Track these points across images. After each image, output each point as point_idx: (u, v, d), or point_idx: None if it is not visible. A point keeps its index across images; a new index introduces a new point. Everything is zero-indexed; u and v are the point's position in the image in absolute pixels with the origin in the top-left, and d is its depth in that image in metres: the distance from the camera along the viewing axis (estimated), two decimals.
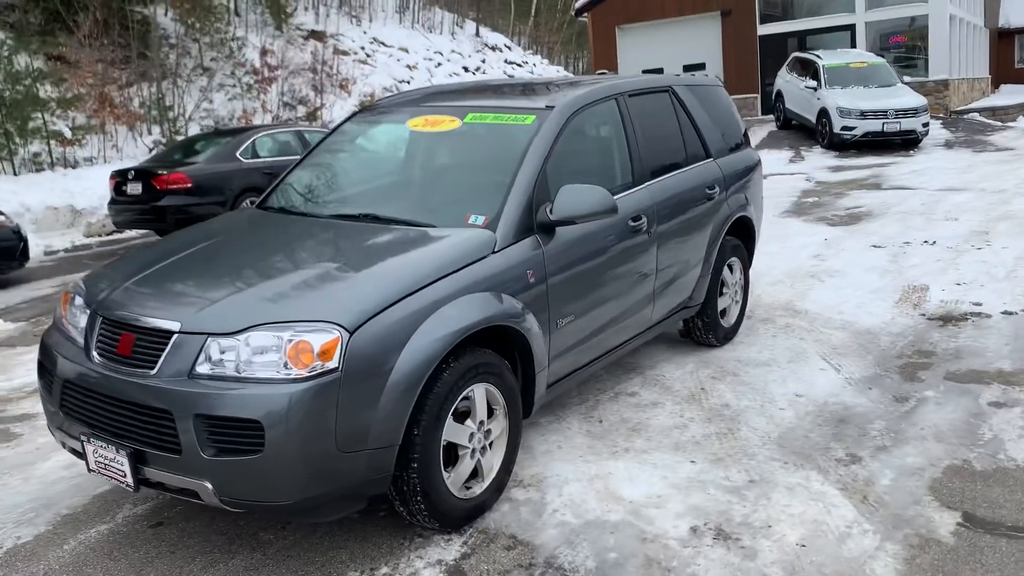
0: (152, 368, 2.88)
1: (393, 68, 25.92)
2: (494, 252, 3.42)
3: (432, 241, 3.40)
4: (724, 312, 5.36)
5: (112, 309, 3.13)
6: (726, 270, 5.28)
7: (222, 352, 2.82)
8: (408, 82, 25.46)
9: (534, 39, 42.74)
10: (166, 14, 20.62)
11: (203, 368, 2.82)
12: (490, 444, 3.40)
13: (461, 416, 3.24)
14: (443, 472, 3.14)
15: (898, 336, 5.45)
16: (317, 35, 25.50)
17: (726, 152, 5.31)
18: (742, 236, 5.52)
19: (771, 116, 21.04)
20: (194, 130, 17.07)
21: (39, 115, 14.23)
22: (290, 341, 2.78)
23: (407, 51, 28.35)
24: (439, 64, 28.55)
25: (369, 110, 4.68)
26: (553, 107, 3.99)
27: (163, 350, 2.89)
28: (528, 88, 4.67)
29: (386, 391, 2.89)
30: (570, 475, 3.69)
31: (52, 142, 14.51)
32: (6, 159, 13.58)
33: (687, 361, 5.13)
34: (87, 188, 13.22)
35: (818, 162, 15.34)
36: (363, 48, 26.43)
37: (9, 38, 16.56)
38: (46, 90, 15.65)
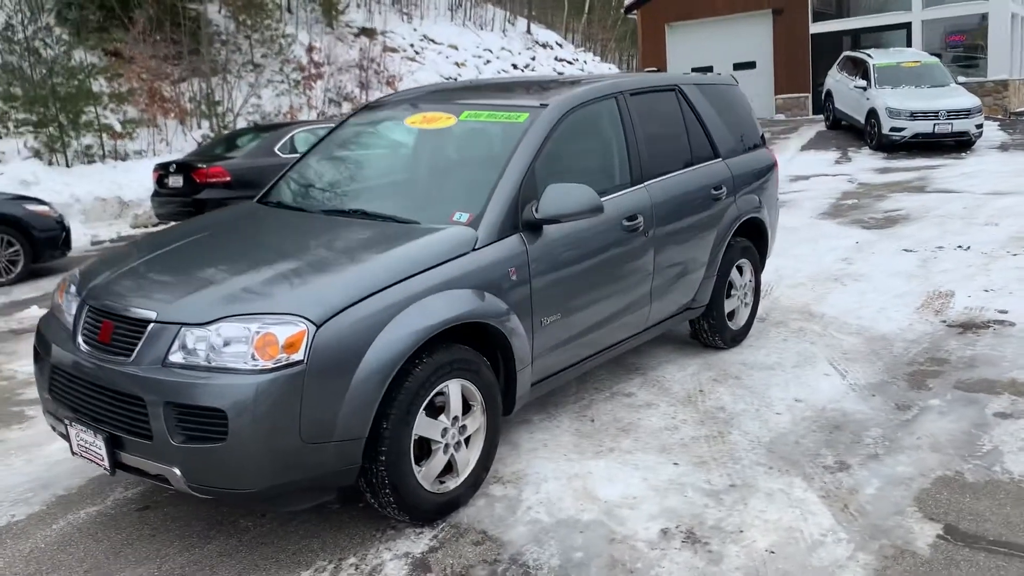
0: (129, 356, 2.97)
1: (441, 65, 26.08)
2: (474, 250, 3.44)
3: (412, 238, 3.43)
4: (732, 314, 5.29)
5: (97, 298, 3.23)
6: (735, 272, 5.21)
7: (195, 342, 2.89)
8: (455, 79, 25.61)
9: (587, 36, 42.58)
10: (220, 11, 21.08)
11: (176, 357, 2.90)
12: (466, 440, 3.42)
13: (436, 411, 3.27)
14: (414, 466, 3.17)
15: (913, 343, 5.31)
16: (367, 32, 25.78)
17: (738, 152, 5.24)
18: (753, 238, 5.45)
19: (821, 116, 20.63)
20: (242, 125, 17.42)
21: (92, 109, 14.67)
22: (257, 333, 2.84)
23: (456, 48, 28.51)
24: (488, 61, 28.64)
25: (372, 107, 4.73)
26: (547, 105, 3.99)
27: (140, 339, 2.97)
28: (531, 86, 4.67)
29: (353, 385, 2.93)
30: (551, 473, 3.70)
31: (104, 135, 14.94)
32: (59, 151, 14.02)
33: (690, 363, 5.08)
34: (134, 180, 13.59)
35: (864, 164, 15.00)
36: (412, 45, 26.66)
37: (67, 33, 17.14)
38: (100, 85, 16.15)
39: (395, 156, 4.38)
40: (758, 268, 5.51)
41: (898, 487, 3.49)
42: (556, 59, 32.83)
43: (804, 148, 17.31)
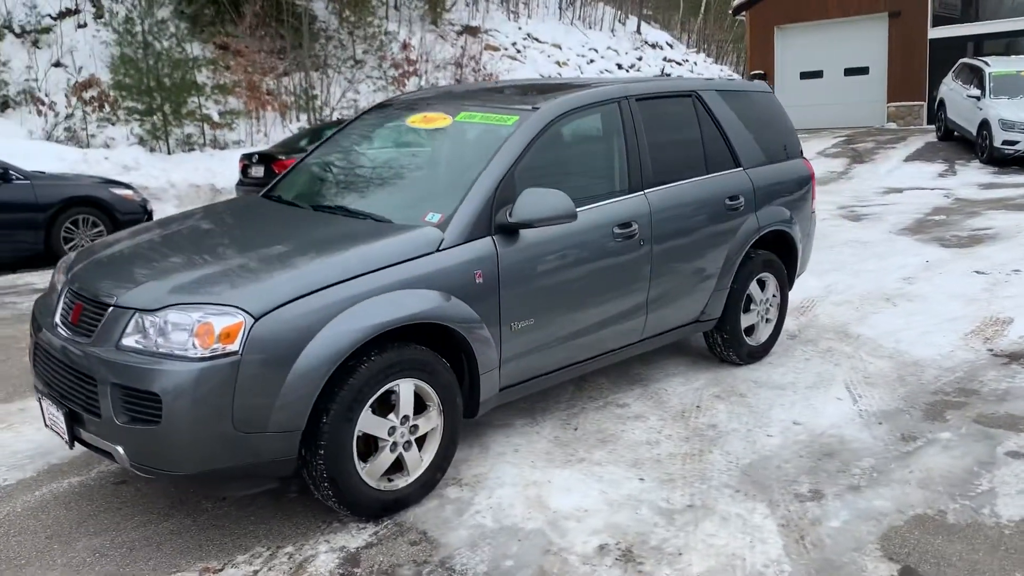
0: (90, 337, 3.13)
1: (541, 64, 26.13)
2: (438, 250, 3.45)
3: (377, 236, 3.47)
4: (751, 330, 5.11)
5: (75, 281, 3.41)
6: (754, 286, 5.02)
7: (147, 328, 3.02)
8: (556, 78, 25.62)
9: (703, 37, 41.75)
10: (327, 7, 21.77)
11: (128, 341, 3.03)
12: (420, 440, 3.44)
13: (388, 408, 3.30)
14: (357, 462, 3.21)
15: (947, 371, 5.00)
16: (471, 30, 26.09)
17: (764, 162, 5.05)
18: (780, 252, 5.24)
19: (934, 126, 19.58)
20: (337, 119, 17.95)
21: (195, 99, 15.42)
22: (198, 322, 2.94)
23: (560, 47, 28.50)
24: (591, 61, 28.51)
25: (383, 105, 4.80)
26: (538, 108, 3.96)
27: (100, 322, 3.12)
28: (538, 89, 4.62)
29: (290, 378, 2.99)
30: (511, 479, 3.67)
31: (205, 125, 15.68)
32: (162, 139, 14.80)
33: (699, 377, 4.94)
34: (228, 169, 14.19)
35: (969, 178, 14.15)
36: (514, 44, 26.79)
37: (183, 27, 18.07)
38: (204, 76, 16.97)
39: (388, 155, 4.43)
40: (784, 283, 5.30)
41: (867, 522, 3.30)
42: (665, 59, 32.36)
43: (908, 159, 16.47)
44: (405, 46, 20.49)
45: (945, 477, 3.67)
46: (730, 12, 32.26)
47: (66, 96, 15.45)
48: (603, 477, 3.69)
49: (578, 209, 3.89)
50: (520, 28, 28.83)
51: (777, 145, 5.23)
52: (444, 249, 3.47)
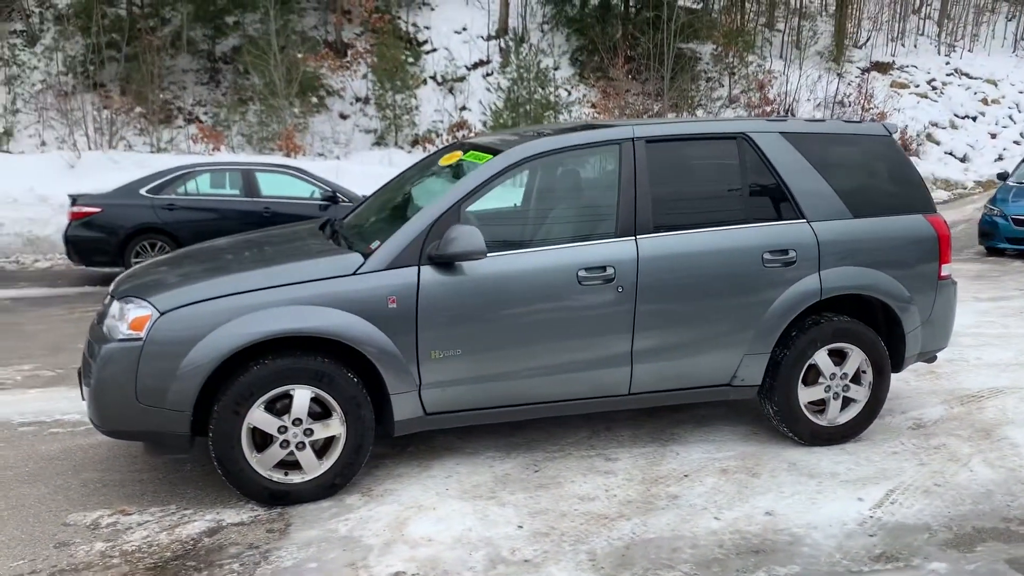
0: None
1: (959, 101, 23.26)
2: (354, 274, 3.78)
3: (312, 257, 3.93)
4: (821, 406, 4.42)
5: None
6: (823, 356, 4.35)
7: (113, 313, 3.85)
8: (971, 117, 22.57)
9: None
10: (714, 50, 22.02)
11: (108, 322, 3.87)
12: (316, 444, 3.77)
13: (286, 409, 3.72)
14: (245, 450, 3.68)
15: None
16: (881, 67, 24.22)
17: (845, 215, 4.36)
18: (876, 322, 4.48)
19: None
20: None
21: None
22: (124, 311, 3.69)
23: (995, 83, 25.03)
24: None
25: (452, 145, 5.16)
26: (503, 152, 4.05)
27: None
28: (581, 129, 4.59)
29: (181, 367, 3.58)
30: (406, 500, 3.81)
31: None
32: None
33: (735, 448, 4.45)
34: None
35: None
36: (931, 80, 24.24)
37: (575, 74, 19.85)
38: (574, 116, 18.43)
39: (404, 190, 4.77)
40: (881, 360, 4.45)
41: None
42: None
43: None
44: (761, 86, 19.85)
45: None
46: None
47: (443, 134, 17.98)
48: (488, 516, 3.66)
49: (537, 249, 3.94)
50: (948, 63, 25.96)
51: (879, 197, 4.47)
52: (360, 273, 3.78)
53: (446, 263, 3.83)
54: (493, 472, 4.15)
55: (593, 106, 19.83)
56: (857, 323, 4.41)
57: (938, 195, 19.36)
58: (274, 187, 10.97)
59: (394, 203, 4.70)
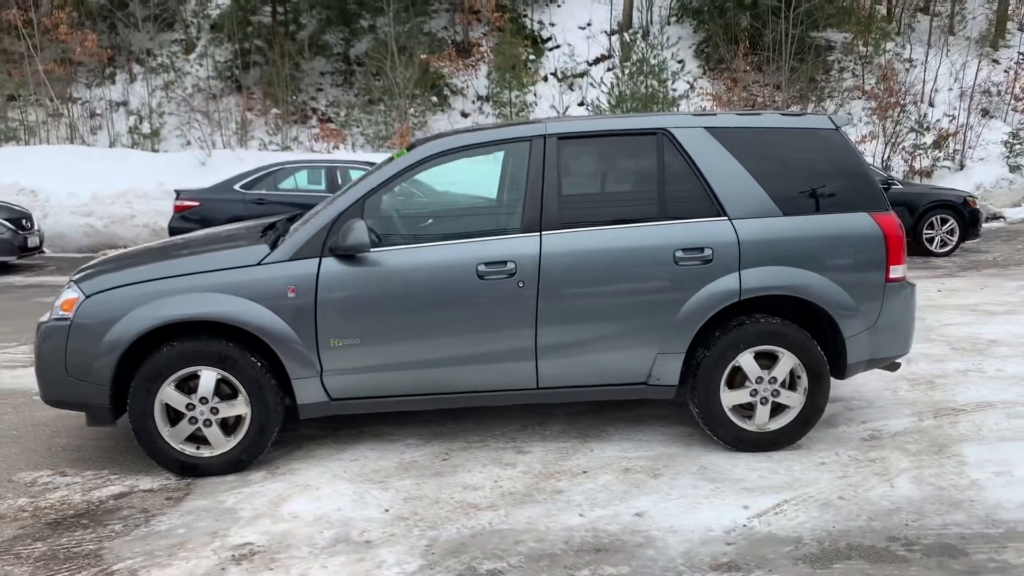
0: None
1: None
2: (258, 264, 4.04)
3: (230, 247, 4.23)
4: (748, 410, 4.26)
5: None
6: (748, 359, 4.19)
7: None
8: None
9: None
10: (852, 40, 20.83)
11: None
12: (231, 423, 4.07)
13: (194, 388, 4.04)
14: (159, 424, 4.02)
15: (988, 523, 3.53)
16: None
17: (774, 213, 4.18)
18: (812, 325, 4.26)
19: None
20: None
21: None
22: (62, 294, 4.13)
23: None
24: None
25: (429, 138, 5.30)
26: (414, 147, 4.18)
27: None
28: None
29: (101, 345, 3.98)
30: (300, 479, 4.04)
31: None
32: None
33: (656, 449, 4.37)
34: None
35: None
36: None
37: (692, 62, 19.46)
38: (691, 107, 18.06)
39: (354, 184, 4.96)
40: (818, 364, 4.23)
41: None
42: None
43: None
44: (884, 77, 18.48)
45: None
46: None
47: None
48: (363, 499, 3.81)
49: (438, 244, 4.07)
50: None
51: (817, 194, 4.24)
52: (264, 263, 4.04)
53: (347, 256, 4.02)
54: (401, 459, 4.30)
55: (713, 98, 19.29)
56: (788, 325, 4.22)
57: None
58: None
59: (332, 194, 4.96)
